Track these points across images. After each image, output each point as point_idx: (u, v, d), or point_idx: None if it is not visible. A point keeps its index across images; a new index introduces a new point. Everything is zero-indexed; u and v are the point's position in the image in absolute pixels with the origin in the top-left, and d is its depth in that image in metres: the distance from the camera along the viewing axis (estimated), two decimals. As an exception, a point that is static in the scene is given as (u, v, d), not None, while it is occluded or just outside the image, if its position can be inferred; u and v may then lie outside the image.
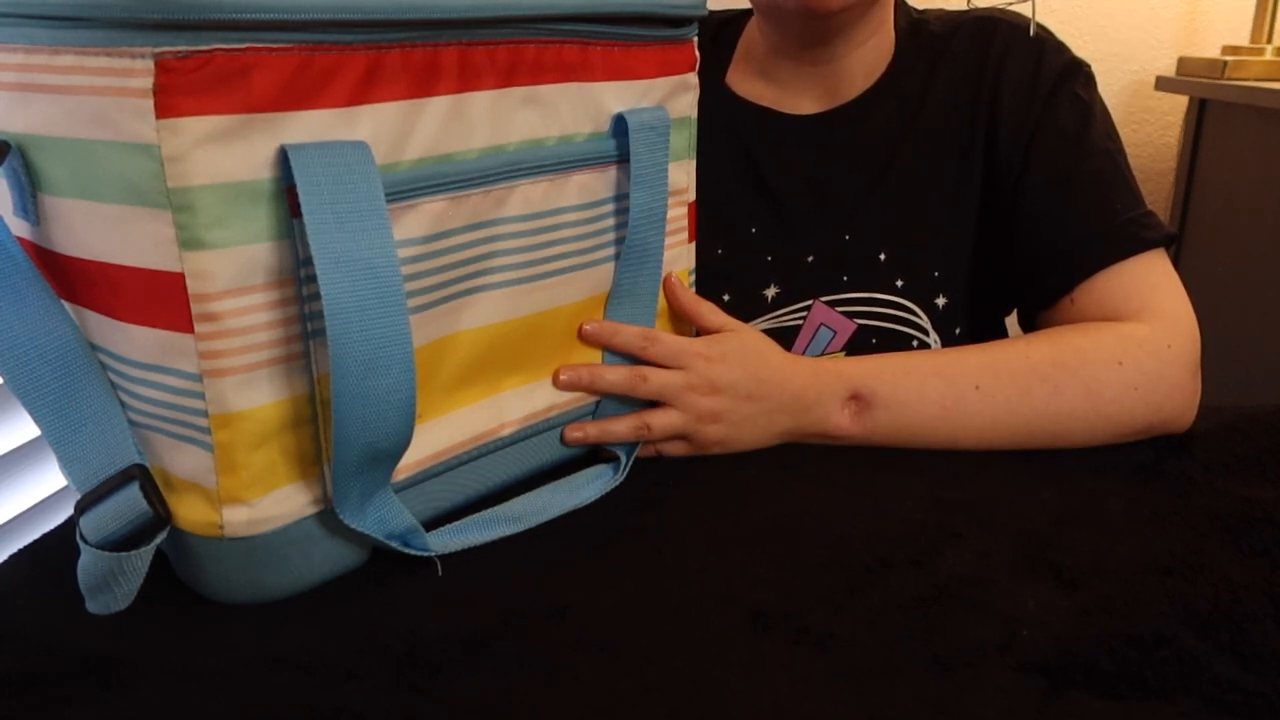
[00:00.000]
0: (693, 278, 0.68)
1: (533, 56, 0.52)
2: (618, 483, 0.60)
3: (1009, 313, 0.82)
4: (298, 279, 0.45)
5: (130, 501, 0.46)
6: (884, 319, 0.77)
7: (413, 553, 0.51)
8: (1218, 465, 0.62)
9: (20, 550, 0.54)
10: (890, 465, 0.62)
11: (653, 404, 0.62)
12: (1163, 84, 1.54)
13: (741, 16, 0.85)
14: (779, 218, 0.79)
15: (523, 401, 0.58)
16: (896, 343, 0.77)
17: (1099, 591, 0.48)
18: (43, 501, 0.91)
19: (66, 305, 0.47)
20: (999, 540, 0.53)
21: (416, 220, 0.48)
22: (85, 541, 0.47)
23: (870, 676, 0.43)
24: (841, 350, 0.77)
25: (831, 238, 0.78)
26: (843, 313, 0.77)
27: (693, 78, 0.62)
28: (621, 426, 0.61)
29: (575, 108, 0.55)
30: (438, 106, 0.48)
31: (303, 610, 0.48)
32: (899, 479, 0.61)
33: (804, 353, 0.78)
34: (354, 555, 0.51)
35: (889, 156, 0.78)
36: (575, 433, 0.61)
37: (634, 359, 0.62)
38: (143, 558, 0.47)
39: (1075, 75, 0.74)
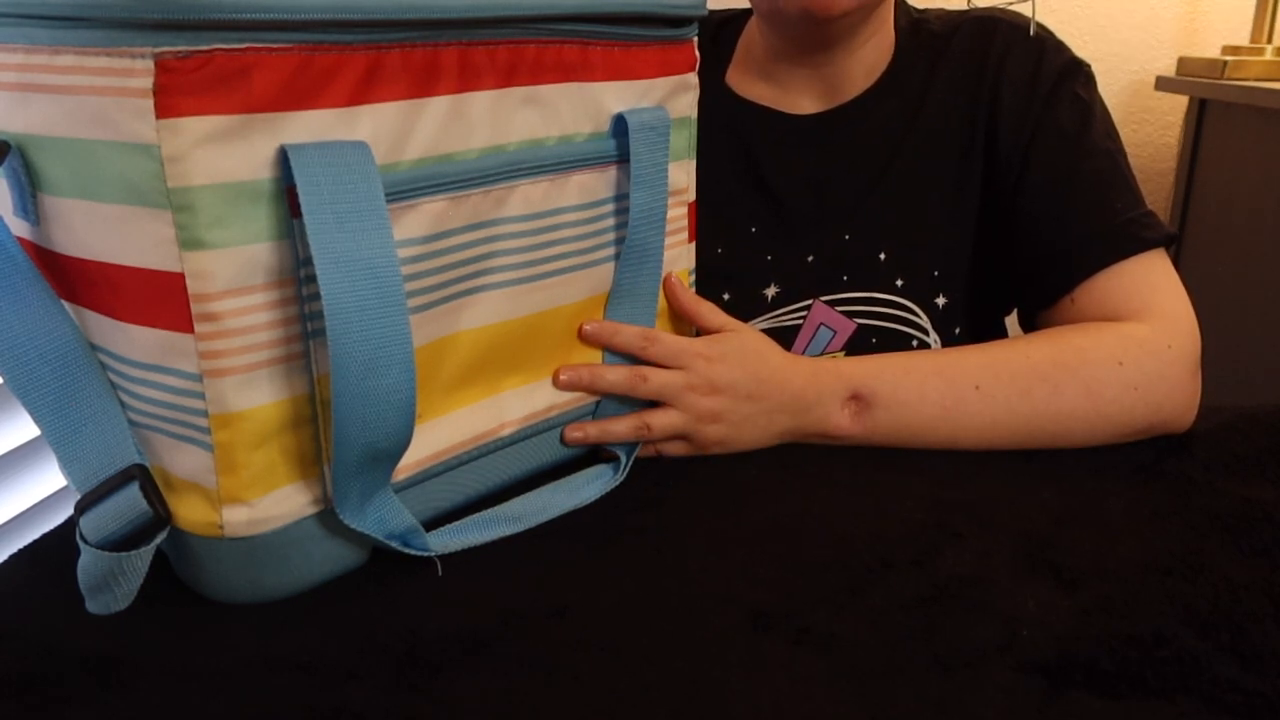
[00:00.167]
0: (693, 278, 0.68)
1: (533, 56, 0.52)
2: (618, 483, 0.60)
3: (1009, 312, 0.82)
4: (298, 279, 0.45)
5: (130, 501, 0.46)
6: (884, 318, 0.77)
7: (413, 553, 0.51)
8: (1218, 465, 0.62)
9: (20, 550, 0.54)
10: (891, 465, 0.62)
11: (652, 404, 0.62)
12: (1163, 84, 1.54)
13: (741, 16, 0.85)
14: (779, 217, 0.79)
15: (523, 401, 0.58)
16: (896, 342, 0.77)
17: (1099, 591, 0.48)
18: (43, 501, 0.91)
19: (66, 305, 0.47)
20: (999, 540, 0.53)
21: (416, 220, 0.48)
22: (85, 541, 0.47)
23: (871, 676, 0.43)
24: (841, 350, 0.77)
25: (831, 237, 0.78)
26: (843, 312, 0.77)
27: (693, 78, 0.62)
28: (621, 426, 0.61)
29: (575, 108, 0.55)
30: (438, 106, 0.48)
31: (303, 610, 0.48)
32: (899, 479, 0.61)
33: (804, 352, 0.78)
34: (354, 555, 0.51)
35: (889, 156, 0.78)
36: (575, 433, 0.61)
37: (634, 359, 0.62)
38: (143, 558, 0.47)
39: (1075, 75, 0.74)
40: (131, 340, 0.45)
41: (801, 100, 0.80)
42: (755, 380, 0.62)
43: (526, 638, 0.45)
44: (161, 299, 0.43)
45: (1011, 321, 0.82)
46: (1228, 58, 1.43)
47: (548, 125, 0.54)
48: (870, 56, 0.78)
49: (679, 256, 0.65)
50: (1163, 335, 0.65)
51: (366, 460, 0.46)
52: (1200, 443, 0.65)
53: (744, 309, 0.78)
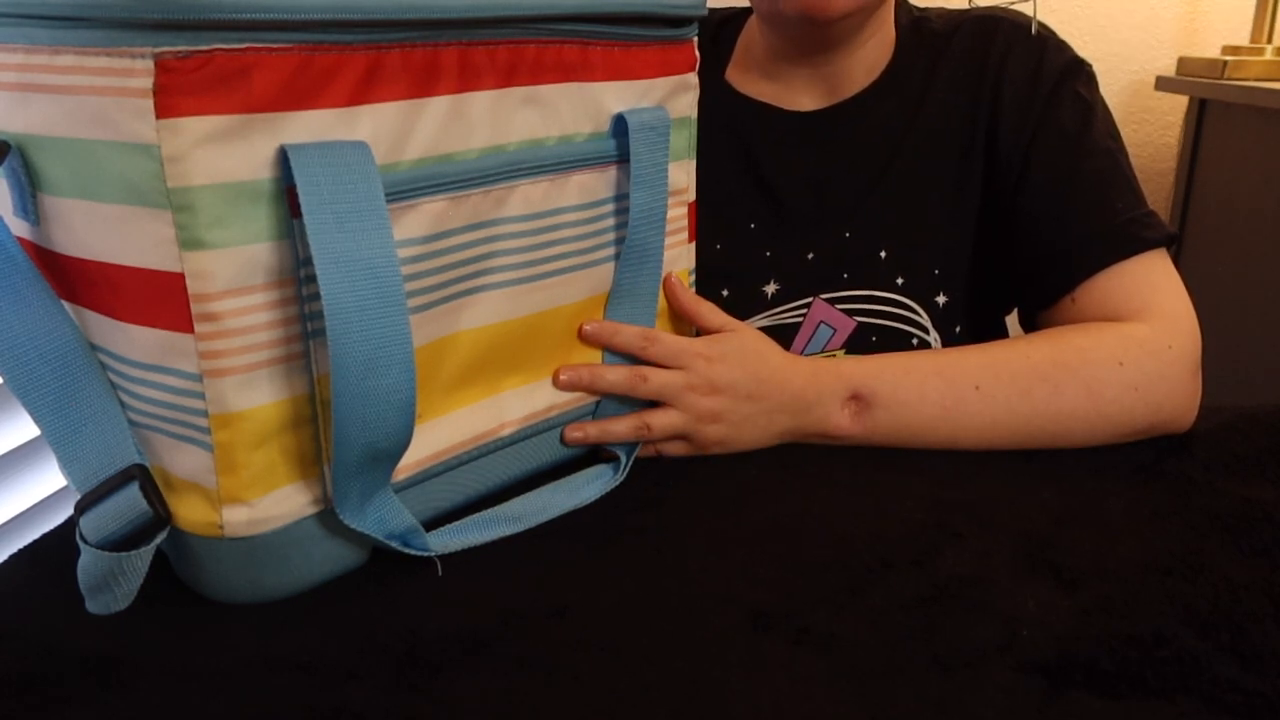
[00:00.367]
0: (693, 277, 0.68)
1: (533, 56, 0.52)
2: (618, 483, 0.60)
3: (1009, 311, 0.82)
4: (298, 279, 0.45)
5: (130, 501, 0.46)
6: (884, 317, 0.77)
7: (413, 553, 0.51)
8: (1218, 465, 0.62)
9: (20, 550, 0.54)
10: (891, 465, 0.62)
11: (652, 404, 0.62)
12: (1163, 84, 1.54)
13: (741, 15, 0.85)
14: (778, 214, 0.79)
15: (523, 401, 0.58)
16: (896, 341, 0.77)
17: (1099, 591, 0.48)
18: (43, 501, 0.91)
19: (66, 305, 0.47)
20: (999, 540, 0.53)
21: (416, 220, 0.48)
22: (85, 541, 0.47)
23: (871, 676, 0.43)
24: (841, 348, 0.77)
25: (831, 235, 0.78)
26: (842, 310, 0.77)
27: (693, 78, 0.62)
28: (621, 426, 0.61)
29: (575, 108, 0.55)
30: (438, 106, 0.48)
31: (303, 610, 0.48)
32: (899, 479, 0.61)
33: (804, 350, 0.78)
34: (354, 555, 0.51)
35: (889, 154, 0.78)
36: (575, 433, 0.61)
37: (634, 359, 0.62)
38: (143, 558, 0.47)
39: (1077, 74, 0.74)
40: (131, 340, 0.45)
41: (802, 98, 0.80)
42: (755, 380, 0.62)
43: (526, 638, 0.45)
44: (161, 299, 0.43)
45: (1012, 321, 0.82)
46: (1228, 58, 1.43)
47: (548, 125, 0.54)
48: (871, 55, 0.78)
49: (679, 256, 0.65)
50: (1163, 335, 0.65)
51: (366, 460, 0.46)
52: (1200, 443, 0.65)
53: (743, 306, 0.78)
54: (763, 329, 0.76)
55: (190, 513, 0.47)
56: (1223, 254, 1.44)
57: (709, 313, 0.65)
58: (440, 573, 0.51)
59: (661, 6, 0.57)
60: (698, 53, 0.62)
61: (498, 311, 0.54)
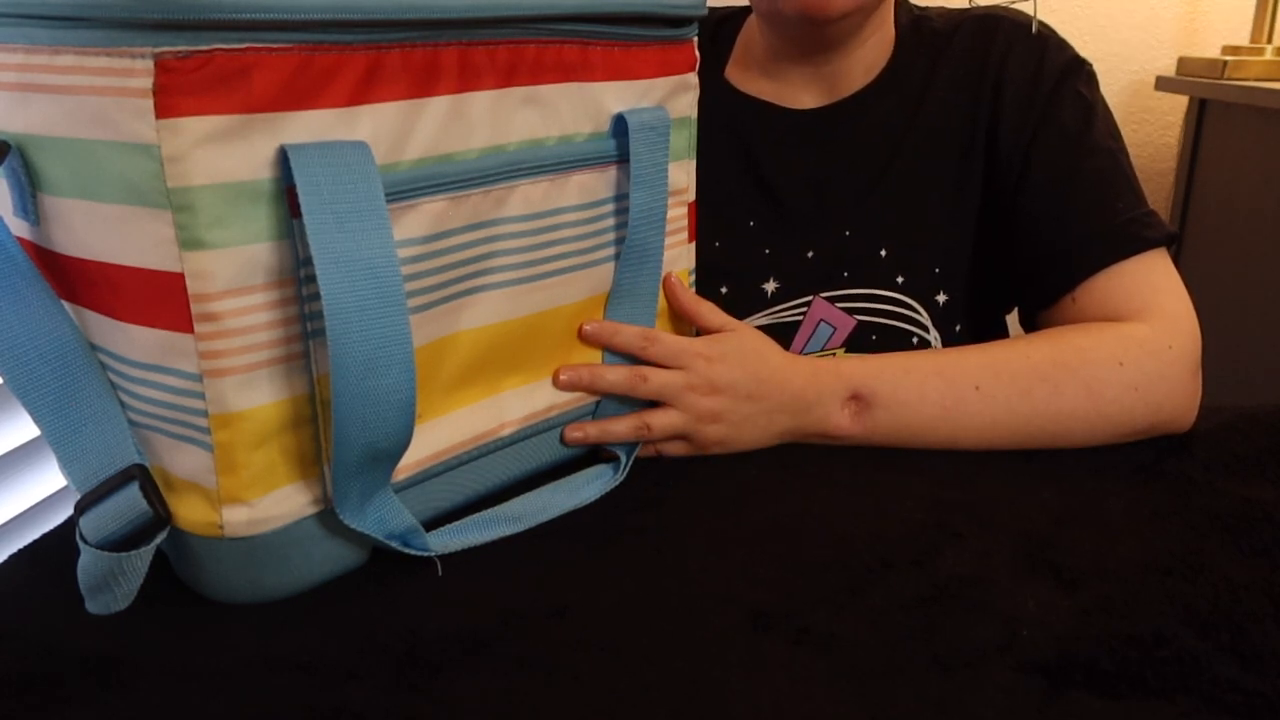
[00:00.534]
0: (693, 277, 0.67)
1: (533, 56, 0.51)
2: (618, 483, 0.60)
3: (1009, 310, 0.82)
4: (298, 279, 0.45)
5: (130, 501, 0.46)
6: (884, 315, 0.77)
7: (413, 553, 0.51)
8: (1218, 465, 0.62)
9: (20, 550, 0.54)
10: (891, 465, 0.62)
11: (652, 404, 0.62)
12: (1163, 84, 1.54)
13: (741, 13, 0.85)
14: (778, 213, 0.79)
15: (523, 401, 0.58)
16: (896, 339, 0.77)
17: (1099, 591, 0.48)
18: (43, 501, 0.91)
19: (66, 305, 0.47)
20: (999, 540, 0.53)
21: (416, 220, 0.48)
22: (85, 541, 0.47)
23: (871, 676, 0.43)
24: (841, 346, 0.77)
25: (831, 234, 0.78)
26: (843, 309, 0.77)
27: (693, 78, 0.62)
28: (621, 426, 0.61)
29: (575, 108, 0.55)
30: (438, 106, 0.48)
31: (303, 610, 0.48)
32: (899, 479, 0.61)
33: (804, 349, 0.78)
34: (354, 555, 0.51)
35: (889, 153, 0.78)
36: (575, 433, 0.61)
37: (634, 359, 0.62)
38: (143, 558, 0.47)
39: (1077, 73, 0.74)
40: (131, 340, 0.45)
41: (801, 96, 0.80)
42: (755, 380, 0.62)
43: (526, 638, 0.45)
44: (161, 299, 0.43)
45: (1012, 320, 0.82)
46: (1228, 58, 1.43)
47: (548, 125, 0.54)
48: (870, 54, 0.78)
49: (679, 256, 0.65)
50: (1163, 335, 0.65)
51: (366, 460, 0.46)
52: (1200, 443, 0.65)
53: (743, 305, 0.78)
54: (762, 327, 0.76)
55: (190, 513, 0.47)
56: (1223, 254, 1.44)
57: (709, 312, 0.65)
58: (440, 573, 0.51)
59: (661, 6, 0.57)
60: (698, 52, 0.62)
61: (498, 311, 0.54)
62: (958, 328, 0.78)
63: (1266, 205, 1.34)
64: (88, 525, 0.46)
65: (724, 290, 0.79)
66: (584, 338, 0.60)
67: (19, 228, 0.47)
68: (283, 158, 0.42)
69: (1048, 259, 0.71)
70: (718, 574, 0.50)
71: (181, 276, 0.42)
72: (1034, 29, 0.76)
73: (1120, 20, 1.60)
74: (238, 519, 0.46)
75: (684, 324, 0.67)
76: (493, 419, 0.56)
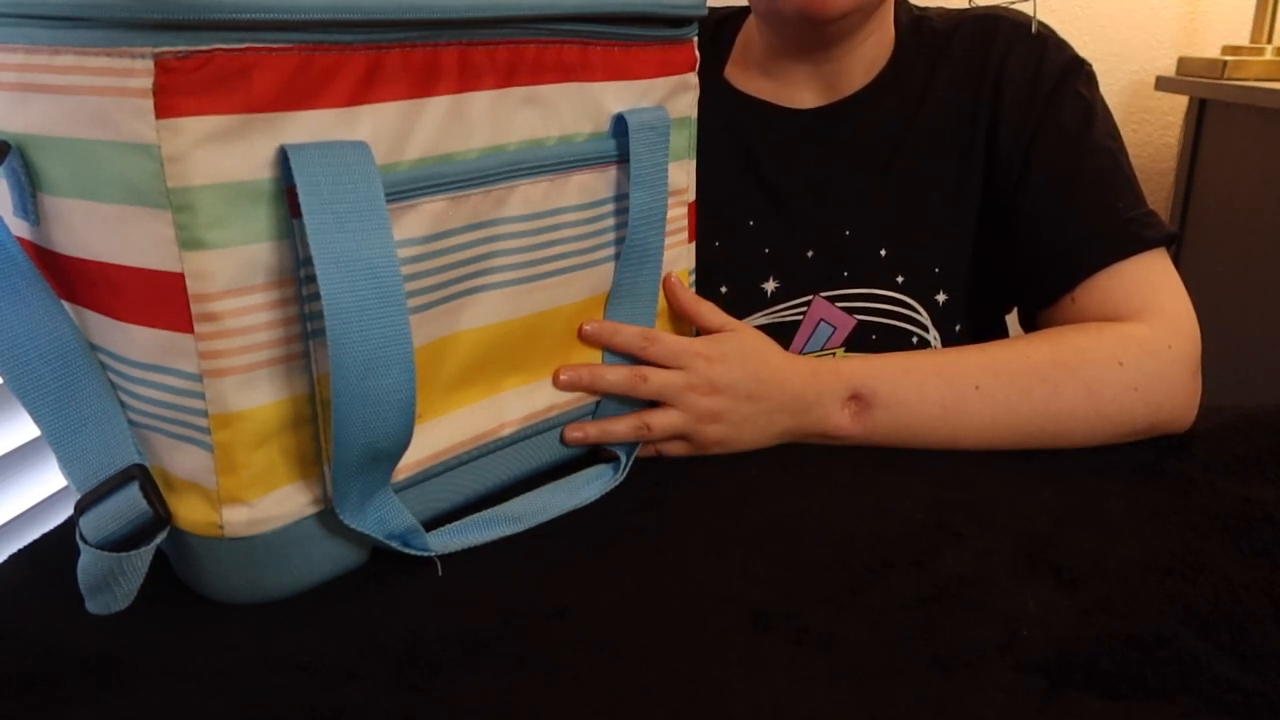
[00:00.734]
0: (693, 277, 0.67)
1: (533, 56, 0.52)
2: (618, 483, 0.60)
3: (1009, 310, 0.82)
4: (298, 279, 0.45)
5: (130, 501, 0.46)
6: (884, 315, 0.77)
7: (413, 553, 0.51)
8: (1218, 465, 0.62)
9: (20, 550, 0.54)
10: (891, 465, 0.62)
11: (652, 404, 0.62)
12: (1163, 84, 1.54)
13: (740, 13, 0.85)
14: (778, 213, 0.79)
15: (523, 401, 0.58)
16: (896, 339, 0.77)
17: (1099, 591, 0.48)
18: (43, 501, 0.91)
19: (66, 305, 0.47)
20: (999, 540, 0.53)
21: (416, 220, 0.48)
22: (85, 541, 0.47)
23: (871, 676, 0.43)
24: (841, 346, 0.77)
25: (831, 233, 0.78)
26: (842, 308, 0.77)
27: (693, 78, 0.62)
28: (621, 426, 0.61)
29: (575, 108, 0.55)
30: (438, 106, 0.48)
31: (303, 610, 0.48)
32: (899, 479, 0.61)
33: (804, 348, 0.78)
34: (354, 555, 0.51)
35: (889, 152, 0.78)
36: (575, 433, 0.61)
37: (634, 359, 0.62)
38: (143, 558, 0.47)
39: (1077, 73, 0.74)
40: (131, 340, 0.45)
41: (801, 96, 0.80)
42: (755, 380, 0.62)
43: (526, 638, 0.45)
44: (161, 299, 0.43)
45: (1012, 320, 0.82)
46: (1228, 58, 1.43)
47: (548, 125, 0.54)
48: (870, 54, 0.78)
49: (679, 256, 0.65)
50: (1163, 335, 0.65)
51: (366, 460, 0.46)
52: (1200, 443, 0.65)
53: (743, 304, 0.78)
54: (762, 327, 0.76)
55: (190, 513, 0.47)
56: (1223, 254, 1.44)
57: (709, 312, 0.65)
58: (440, 573, 0.51)
59: (661, 6, 0.57)
60: (697, 52, 0.62)
61: (498, 311, 0.54)
62: (957, 327, 0.78)
63: (1266, 205, 1.34)
64: (88, 525, 0.46)
65: (724, 290, 0.79)
66: (584, 338, 0.60)
67: (19, 228, 0.47)
68: (283, 158, 0.42)
69: (1047, 259, 0.71)
70: (718, 574, 0.50)
71: (181, 276, 0.42)
72: (1034, 29, 0.76)
73: (1120, 20, 1.60)
74: (238, 519, 0.46)
75: (684, 324, 0.67)
76: (493, 419, 0.56)
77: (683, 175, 0.64)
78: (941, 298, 0.77)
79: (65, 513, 0.58)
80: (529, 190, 0.53)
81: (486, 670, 0.43)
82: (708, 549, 0.53)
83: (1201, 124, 1.49)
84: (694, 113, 0.64)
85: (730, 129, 0.80)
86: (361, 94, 0.44)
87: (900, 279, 0.77)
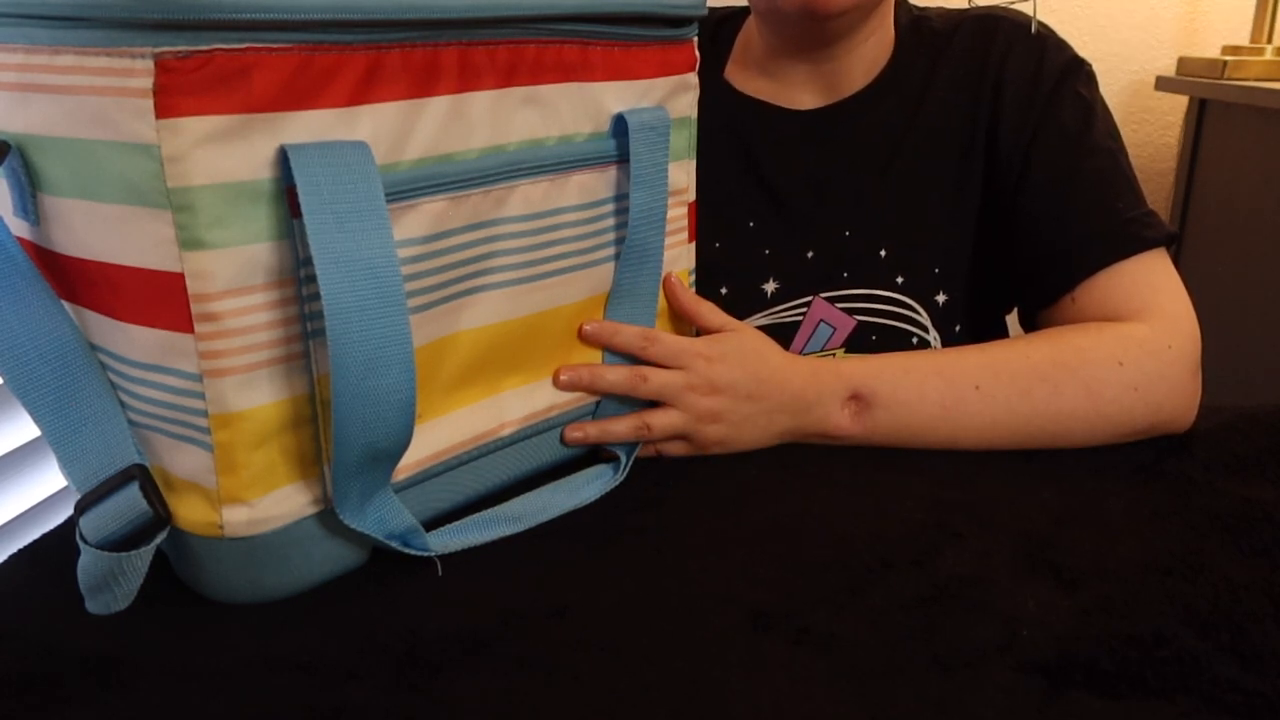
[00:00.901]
0: (693, 278, 0.67)
1: (533, 56, 0.52)
2: (618, 483, 0.60)
3: (1009, 310, 0.82)
4: (298, 279, 0.45)
5: (130, 501, 0.46)
6: (884, 316, 0.77)
7: (413, 553, 0.51)
8: (1218, 465, 0.62)
9: (20, 550, 0.54)
10: (891, 465, 0.62)
11: (652, 404, 0.62)
12: (1163, 84, 1.54)
13: (739, 14, 0.85)
14: (778, 213, 0.79)
15: (523, 401, 0.58)
16: (896, 340, 0.77)
17: (1099, 591, 0.48)
18: (43, 501, 0.91)
19: (66, 305, 0.47)
20: (999, 540, 0.53)
21: (416, 220, 0.48)
22: (85, 541, 0.47)
23: (871, 676, 0.43)
24: (841, 347, 0.77)
25: (831, 234, 0.78)
26: (842, 309, 0.77)
27: (693, 78, 0.62)
28: (621, 426, 0.61)
29: (575, 108, 0.55)
30: (438, 106, 0.48)
31: (303, 610, 0.48)
32: (900, 479, 0.61)
33: (803, 349, 0.78)
34: (354, 555, 0.51)
35: (889, 153, 0.78)
36: (575, 433, 0.61)
37: (634, 359, 0.62)
38: (143, 558, 0.47)
39: (1077, 73, 0.74)
40: (131, 340, 0.45)
41: (801, 96, 0.80)
42: (755, 380, 0.62)
43: (526, 638, 0.45)
44: (161, 299, 0.43)
45: (1012, 320, 0.82)
46: (1228, 58, 1.43)
47: (548, 125, 0.54)
48: (870, 54, 0.78)
49: (679, 256, 0.65)
50: (1163, 335, 0.65)
51: (366, 460, 0.46)
52: (1200, 443, 0.65)
53: (742, 305, 0.78)
54: (762, 328, 0.76)
55: (190, 513, 0.47)
56: (1223, 254, 1.44)
57: (709, 312, 0.65)
58: (440, 573, 0.51)
59: (661, 6, 0.57)
60: (698, 53, 0.62)
61: (498, 311, 0.54)
62: (957, 328, 0.78)
63: (1266, 205, 1.34)
64: (88, 525, 0.46)
65: (724, 291, 0.79)
66: (584, 338, 0.60)
67: (19, 228, 0.47)
68: (283, 158, 0.42)
69: (1047, 259, 0.71)
70: (718, 574, 0.50)
71: (181, 276, 0.42)
72: (1033, 29, 0.76)
73: (1120, 20, 1.60)
74: (238, 519, 0.46)
75: (684, 324, 0.67)
76: (493, 419, 0.56)
77: (683, 175, 0.64)
78: (941, 298, 0.77)
79: (65, 513, 0.58)
80: (529, 190, 0.53)
81: (486, 670, 0.43)
82: (708, 549, 0.53)
83: (1201, 124, 1.49)
84: (694, 113, 0.64)
85: (730, 130, 0.80)
86: (361, 94, 0.44)
87: (900, 279, 0.77)
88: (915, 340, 0.77)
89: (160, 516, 0.46)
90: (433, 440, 0.53)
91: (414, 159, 0.47)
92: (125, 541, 0.46)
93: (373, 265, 0.43)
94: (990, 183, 0.76)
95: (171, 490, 0.47)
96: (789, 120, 0.80)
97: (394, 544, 0.50)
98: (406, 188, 0.47)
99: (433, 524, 0.54)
